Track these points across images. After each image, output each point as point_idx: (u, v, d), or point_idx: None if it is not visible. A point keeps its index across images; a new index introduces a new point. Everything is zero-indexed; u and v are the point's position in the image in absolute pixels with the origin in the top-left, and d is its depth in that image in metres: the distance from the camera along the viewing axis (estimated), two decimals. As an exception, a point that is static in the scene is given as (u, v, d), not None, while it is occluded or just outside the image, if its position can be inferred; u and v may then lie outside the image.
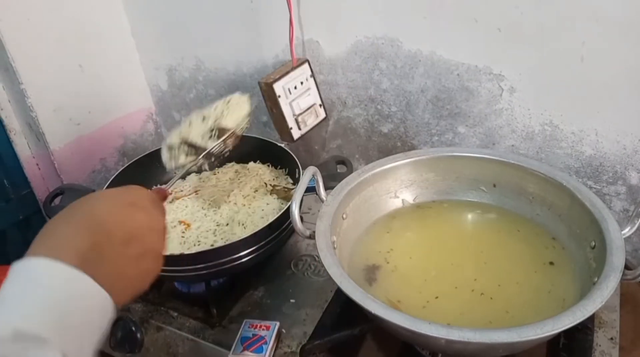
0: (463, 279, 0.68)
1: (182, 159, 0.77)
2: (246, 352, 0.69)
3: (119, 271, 0.45)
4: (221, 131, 0.78)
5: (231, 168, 0.98)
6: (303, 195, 0.77)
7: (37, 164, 1.08)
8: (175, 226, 0.83)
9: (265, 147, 0.96)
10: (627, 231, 0.61)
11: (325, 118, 1.02)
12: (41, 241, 0.43)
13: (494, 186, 0.79)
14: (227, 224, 0.83)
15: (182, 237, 0.81)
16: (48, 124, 1.04)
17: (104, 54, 1.11)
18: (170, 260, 0.74)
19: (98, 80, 1.11)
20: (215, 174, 0.97)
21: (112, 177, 0.89)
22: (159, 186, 0.85)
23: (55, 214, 0.82)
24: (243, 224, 0.81)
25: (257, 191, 0.89)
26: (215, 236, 0.81)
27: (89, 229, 0.44)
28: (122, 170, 0.92)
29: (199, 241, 0.80)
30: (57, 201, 0.87)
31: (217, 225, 0.83)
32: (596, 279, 0.56)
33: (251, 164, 0.98)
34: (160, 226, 0.51)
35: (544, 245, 0.72)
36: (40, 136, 1.04)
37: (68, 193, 0.87)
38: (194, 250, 0.78)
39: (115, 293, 0.43)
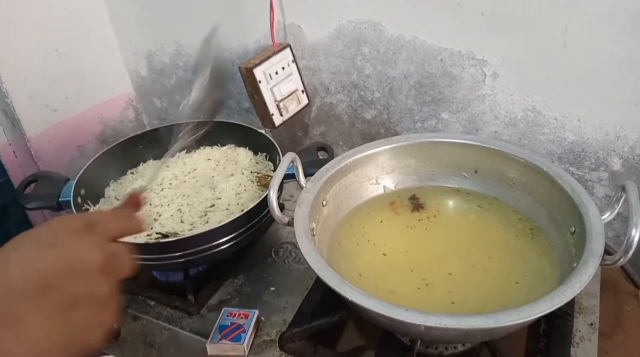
0: (438, 267, 0.68)
1: None
2: (224, 340, 0.68)
3: (40, 331, 0.33)
4: None
5: (209, 153, 0.96)
6: (284, 182, 0.76)
7: (14, 152, 1.06)
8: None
9: (246, 133, 0.95)
10: (607, 216, 0.61)
11: (307, 104, 1.01)
12: None
13: (476, 172, 0.78)
14: (206, 214, 0.81)
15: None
16: (24, 110, 1.01)
17: (80, 38, 1.09)
18: (148, 248, 0.73)
19: (75, 66, 1.09)
20: (184, 161, 0.95)
21: (89, 163, 0.87)
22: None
23: (28, 201, 0.82)
24: (222, 211, 0.80)
25: (235, 176, 0.88)
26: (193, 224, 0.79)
27: None
28: (99, 155, 0.90)
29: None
30: (30, 188, 0.85)
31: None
32: (575, 265, 0.56)
33: (231, 150, 0.96)
34: (87, 263, 0.37)
35: (524, 231, 0.72)
36: (16, 123, 1.02)
37: (41, 180, 0.85)
38: (171, 238, 0.76)
39: None
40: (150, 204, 0.83)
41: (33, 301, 0.34)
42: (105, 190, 0.90)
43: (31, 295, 0.34)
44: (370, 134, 1.02)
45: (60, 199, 0.82)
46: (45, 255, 0.36)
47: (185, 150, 0.96)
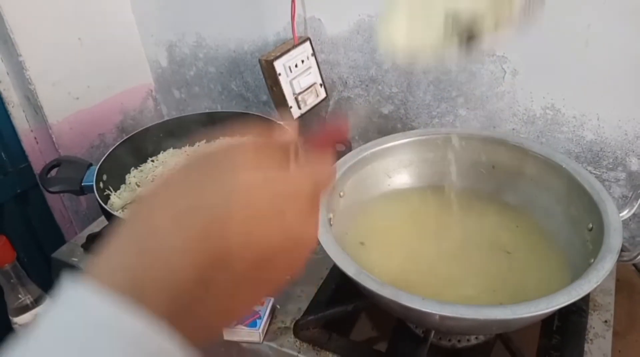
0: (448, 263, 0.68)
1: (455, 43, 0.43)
2: (240, 326, 0.69)
3: (223, 309, 0.28)
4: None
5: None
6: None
7: (35, 138, 1.08)
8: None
9: (265, 125, 0.96)
10: (625, 214, 0.61)
11: (325, 98, 1.01)
12: (120, 248, 0.26)
13: (493, 167, 0.78)
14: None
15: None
16: (47, 97, 1.03)
17: (103, 28, 1.10)
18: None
19: (97, 55, 1.10)
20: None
21: (111, 150, 0.89)
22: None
23: (51, 185, 0.83)
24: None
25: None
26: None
27: (200, 249, 0.26)
28: (121, 143, 0.91)
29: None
30: (53, 172, 0.86)
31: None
32: (592, 260, 0.56)
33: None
34: (313, 237, 0.31)
35: (536, 229, 0.72)
36: (39, 109, 1.03)
37: (65, 165, 0.86)
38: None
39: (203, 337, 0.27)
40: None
41: (235, 278, 0.28)
42: (127, 176, 0.91)
43: (239, 272, 0.27)
44: (386, 129, 1.02)
45: (82, 184, 0.83)
46: (279, 224, 0.28)
47: (205, 141, 0.98)
